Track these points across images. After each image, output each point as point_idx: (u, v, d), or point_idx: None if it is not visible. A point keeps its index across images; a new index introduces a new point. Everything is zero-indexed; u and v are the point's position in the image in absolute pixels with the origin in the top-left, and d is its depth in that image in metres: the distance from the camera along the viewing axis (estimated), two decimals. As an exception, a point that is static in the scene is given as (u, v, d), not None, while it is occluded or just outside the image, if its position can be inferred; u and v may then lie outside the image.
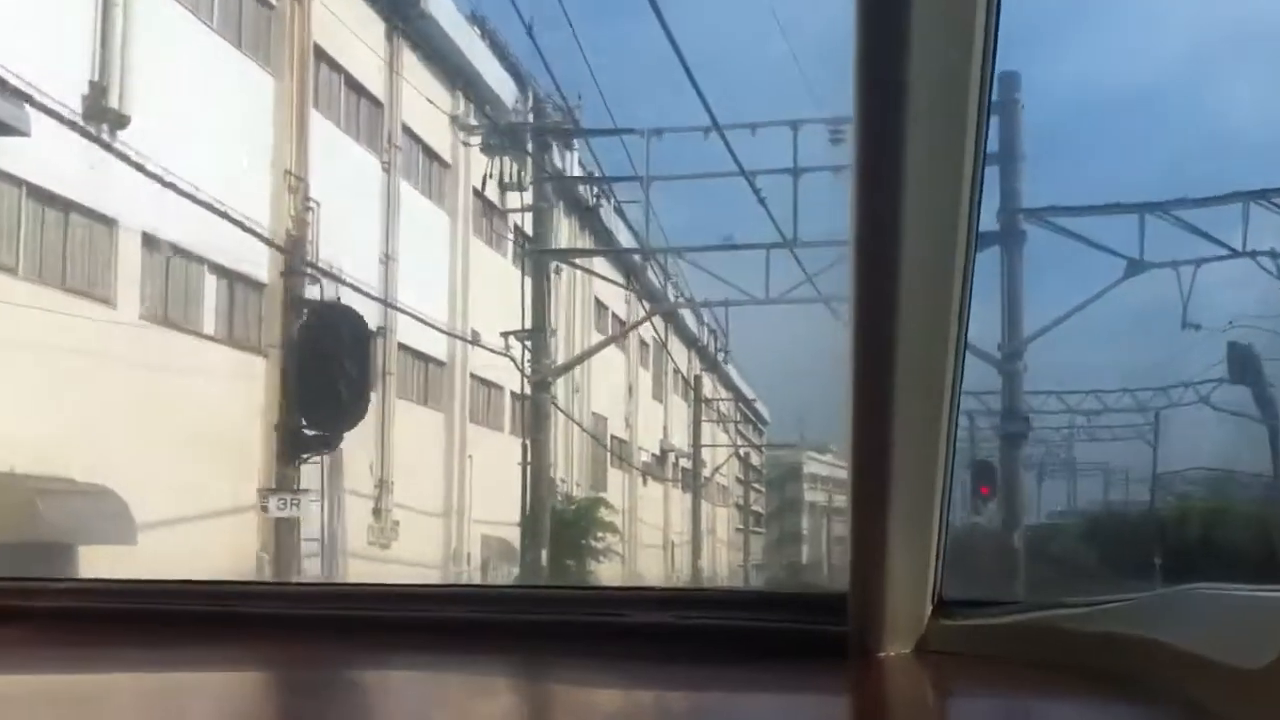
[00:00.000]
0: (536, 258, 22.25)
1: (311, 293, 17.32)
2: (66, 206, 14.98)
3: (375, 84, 22.10)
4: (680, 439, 40.65)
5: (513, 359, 21.78)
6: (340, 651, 2.12)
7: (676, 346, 38.51)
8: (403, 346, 22.44)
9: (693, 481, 39.94)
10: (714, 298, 26.53)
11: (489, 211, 25.28)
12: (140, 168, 14.40)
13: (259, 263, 17.54)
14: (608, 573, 26.07)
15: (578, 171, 25.18)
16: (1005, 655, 1.82)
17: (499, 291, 23.05)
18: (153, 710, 1.86)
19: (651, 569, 35.35)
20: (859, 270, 1.57)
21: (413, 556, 21.51)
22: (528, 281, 22.04)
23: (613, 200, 25.54)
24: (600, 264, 29.88)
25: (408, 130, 23.08)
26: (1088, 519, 35.19)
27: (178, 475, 14.91)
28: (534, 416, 22.02)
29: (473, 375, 25.25)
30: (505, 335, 21.71)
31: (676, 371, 40.44)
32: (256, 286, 18.11)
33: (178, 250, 16.48)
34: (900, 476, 1.68)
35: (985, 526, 26.36)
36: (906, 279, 1.54)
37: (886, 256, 1.54)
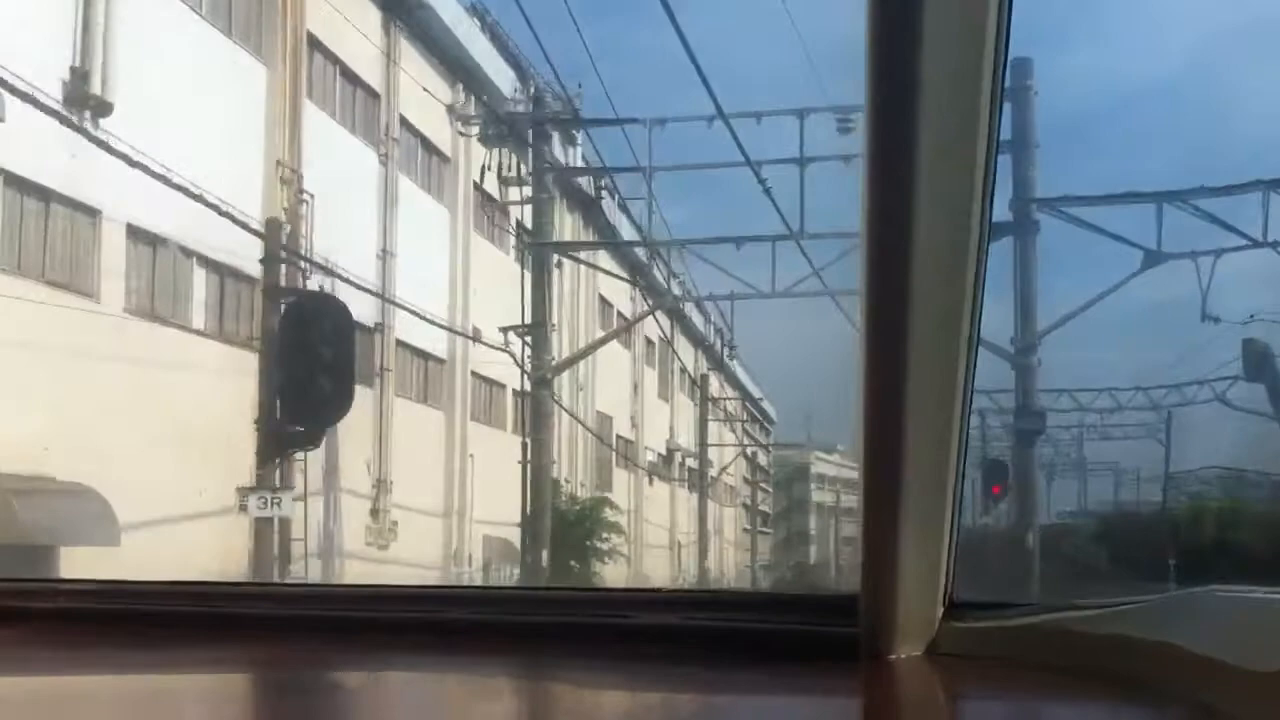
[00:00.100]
0: (537, 251, 21.84)
1: (298, 283, 16.88)
2: (46, 196, 14.58)
3: (372, 74, 21.69)
4: (686, 438, 40.41)
5: (512, 354, 21.42)
6: (338, 653, 2.14)
7: (683, 345, 38.28)
8: (401, 343, 22.11)
9: (699, 481, 39.67)
10: (719, 293, 26.17)
11: (489, 206, 24.91)
12: (125, 157, 13.99)
13: (251, 256, 17.13)
14: (613, 574, 25.80)
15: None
16: (1017, 658, 1.84)
17: (500, 287, 22.68)
18: (149, 712, 1.87)
19: (657, 570, 35.10)
20: (871, 263, 1.58)
21: (412, 557, 21.23)
22: (528, 276, 21.65)
23: (616, 197, 25.28)
24: (605, 261, 29.59)
25: (405, 123, 22.73)
26: (1099, 519, 34.99)
27: (164, 474, 14.52)
28: (535, 414, 21.64)
29: (474, 373, 24.94)
30: (504, 330, 21.31)
31: (683, 370, 40.21)
32: (248, 280, 17.69)
33: (162, 241, 16.08)
34: (912, 475, 1.70)
35: (995, 527, 26.09)
36: (919, 271, 1.56)
37: (898, 248, 1.56)
